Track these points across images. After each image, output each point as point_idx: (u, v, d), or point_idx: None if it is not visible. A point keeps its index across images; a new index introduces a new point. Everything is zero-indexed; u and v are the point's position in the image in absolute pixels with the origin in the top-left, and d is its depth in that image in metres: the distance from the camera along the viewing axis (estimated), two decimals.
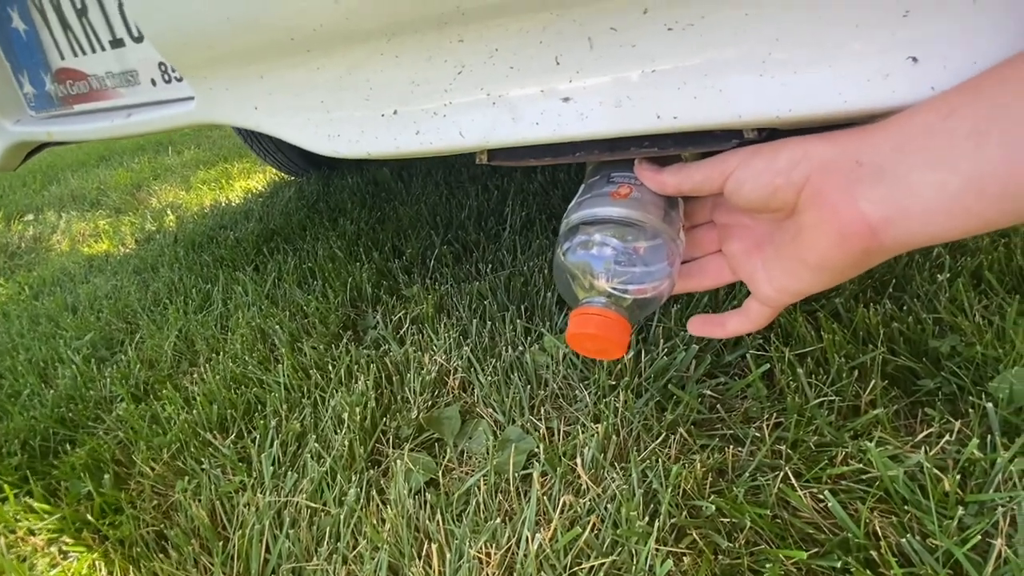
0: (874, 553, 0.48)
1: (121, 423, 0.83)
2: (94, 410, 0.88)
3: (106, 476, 0.73)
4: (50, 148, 0.91)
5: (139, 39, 0.62)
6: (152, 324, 1.09)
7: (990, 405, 0.56)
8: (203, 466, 0.72)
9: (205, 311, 1.10)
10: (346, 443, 0.70)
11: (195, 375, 0.90)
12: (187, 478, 0.70)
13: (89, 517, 0.67)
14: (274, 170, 2.17)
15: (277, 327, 0.95)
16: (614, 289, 0.43)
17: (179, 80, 0.59)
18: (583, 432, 0.65)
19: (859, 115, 0.36)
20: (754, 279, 0.43)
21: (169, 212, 1.98)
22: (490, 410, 0.73)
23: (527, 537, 0.55)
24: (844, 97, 0.36)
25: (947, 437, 0.56)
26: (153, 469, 0.73)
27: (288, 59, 0.47)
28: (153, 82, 0.62)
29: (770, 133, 0.42)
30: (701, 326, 0.48)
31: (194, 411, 0.80)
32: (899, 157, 0.29)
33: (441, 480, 0.65)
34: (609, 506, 0.57)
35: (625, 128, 0.41)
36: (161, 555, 0.63)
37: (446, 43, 0.42)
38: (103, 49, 0.67)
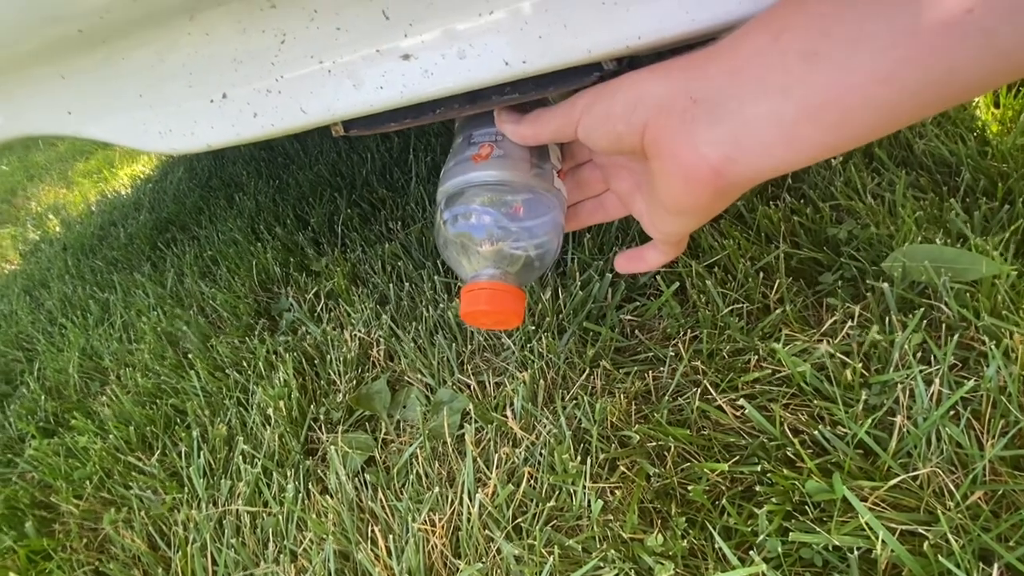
0: (790, 451, 0.50)
1: (35, 463, 0.78)
2: (4, 455, 0.82)
3: (27, 524, 0.68)
4: None
5: None
6: (51, 347, 1.02)
7: (886, 285, 0.58)
8: (131, 491, 0.68)
9: (106, 323, 1.03)
10: (276, 438, 0.68)
11: (106, 396, 0.85)
12: (114, 508, 0.67)
13: (13, 575, 0.64)
14: None
15: (185, 328, 0.89)
16: (500, 255, 0.41)
17: None
18: (511, 382, 0.65)
19: (712, 32, 0.34)
20: (641, 219, 0.41)
21: (52, 216, 1.81)
22: (418, 375, 0.71)
23: (467, 500, 0.55)
24: (692, 16, 0.33)
25: (849, 323, 0.58)
26: (79, 505, 0.70)
27: (86, 54, 0.41)
28: None
29: (631, 60, 0.39)
30: (626, 264, 0.46)
31: (110, 436, 0.75)
32: (733, 88, 0.27)
33: (379, 456, 0.64)
34: (543, 451, 0.57)
35: (474, 80, 0.37)
36: None
37: (256, 11, 0.37)
38: None
